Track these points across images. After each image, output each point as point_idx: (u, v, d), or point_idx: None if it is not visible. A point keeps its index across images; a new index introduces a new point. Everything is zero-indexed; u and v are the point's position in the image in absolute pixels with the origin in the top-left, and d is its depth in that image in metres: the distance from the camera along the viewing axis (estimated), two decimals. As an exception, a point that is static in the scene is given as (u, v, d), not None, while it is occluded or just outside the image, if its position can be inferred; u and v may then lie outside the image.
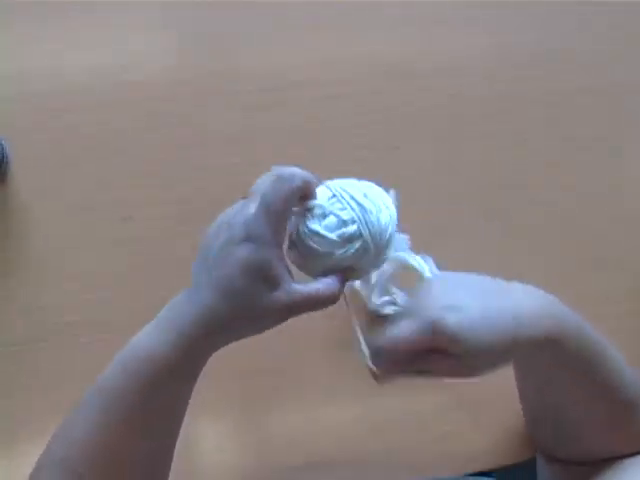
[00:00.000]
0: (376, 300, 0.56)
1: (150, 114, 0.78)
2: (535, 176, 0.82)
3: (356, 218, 0.51)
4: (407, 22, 0.84)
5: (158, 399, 0.51)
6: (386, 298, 0.56)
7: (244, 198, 0.52)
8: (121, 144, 0.77)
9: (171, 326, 0.50)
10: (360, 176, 0.75)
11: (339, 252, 0.51)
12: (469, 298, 0.51)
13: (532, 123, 0.84)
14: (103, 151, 0.76)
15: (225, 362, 0.69)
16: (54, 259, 0.73)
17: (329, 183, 0.54)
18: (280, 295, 0.49)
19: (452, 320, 0.48)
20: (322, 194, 0.53)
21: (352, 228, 0.51)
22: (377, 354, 0.52)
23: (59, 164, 0.76)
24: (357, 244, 0.51)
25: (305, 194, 0.52)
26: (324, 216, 0.52)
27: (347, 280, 0.53)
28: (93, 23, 0.80)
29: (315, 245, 0.52)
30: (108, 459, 0.50)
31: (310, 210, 0.52)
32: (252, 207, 0.49)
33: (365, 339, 0.53)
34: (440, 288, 0.53)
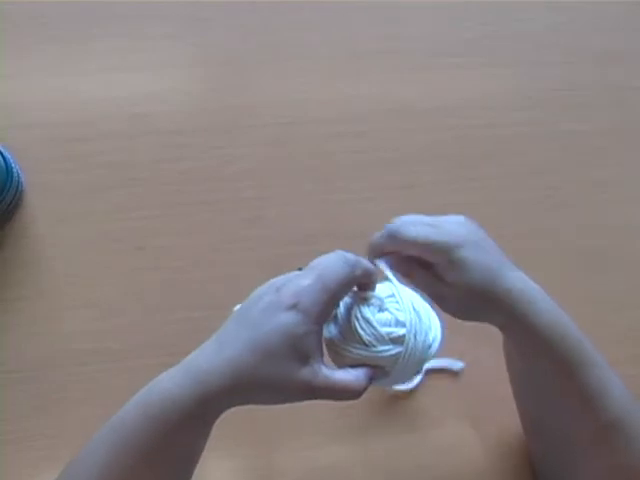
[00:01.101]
0: None
1: (166, 146, 0.79)
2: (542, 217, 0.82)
3: (409, 323, 0.51)
4: (423, 63, 0.87)
5: (176, 444, 0.50)
6: None
7: (300, 269, 0.52)
8: (137, 174, 0.78)
9: (197, 376, 0.49)
10: (372, 212, 0.77)
11: (381, 348, 0.51)
12: (481, 244, 0.57)
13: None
14: (118, 181, 0.77)
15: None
16: (68, 286, 0.73)
17: (390, 281, 0.55)
18: (307, 373, 0.48)
19: (464, 252, 0.55)
20: (381, 289, 0.54)
21: (402, 331, 0.51)
22: (392, 238, 0.55)
23: (74, 193, 0.76)
24: (400, 348, 0.51)
25: (365, 284, 0.53)
26: (380, 309, 0.52)
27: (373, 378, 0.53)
28: (112, 54, 0.82)
29: (362, 332, 0.51)
30: None
31: (367, 299, 0.52)
32: (308, 279, 0.49)
33: None
34: (461, 224, 0.59)
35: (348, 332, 0.52)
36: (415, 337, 0.51)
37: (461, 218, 0.60)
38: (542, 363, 0.58)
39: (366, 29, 0.88)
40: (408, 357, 0.51)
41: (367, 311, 0.52)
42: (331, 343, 0.53)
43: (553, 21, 0.92)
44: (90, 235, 0.75)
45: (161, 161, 0.78)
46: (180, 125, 0.80)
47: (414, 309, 0.52)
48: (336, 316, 0.53)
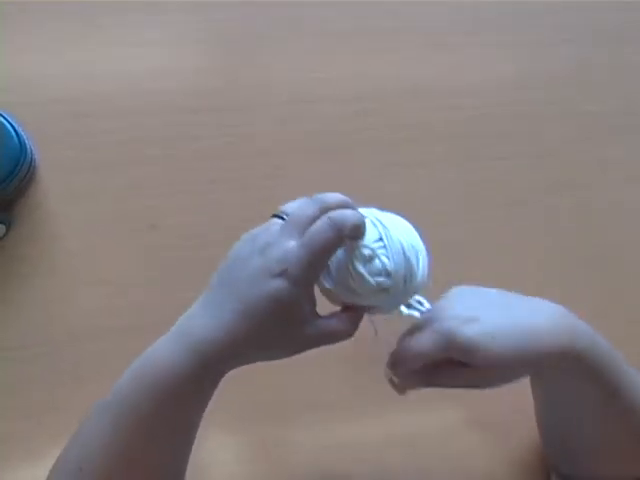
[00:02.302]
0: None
1: (180, 123, 0.79)
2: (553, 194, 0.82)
3: (398, 274, 0.51)
4: (438, 42, 0.87)
5: (172, 411, 0.50)
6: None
7: (275, 216, 0.52)
8: (150, 152, 0.77)
9: (189, 342, 0.49)
10: (388, 191, 0.76)
11: (372, 296, 0.52)
12: (486, 310, 0.52)
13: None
14: (132, 158, 0.77)
15: (240, 377, 0.69)
16: (81, 263, 0.73)
17: (376, 219, 0.53)
18: (304, 329, 0.50)
19: (468, 332, 0.50)
20: (370, 231, 0.52)
21: (391, 281, 0.51)
22: (394, 363, 0.54)
23: (87, 170, 0.76)
24: (391, 293, 0.51)
25: (355, 235, 0.51)
26: (370, 259, 0.51)
27: (361, 316, 0.53)
28: (127, 30, 0.81)
29: (353, 285, 0.51)
30: (122, 469, 0.50)
31: (358, 248, 0.51)
32: (293, 243, 0.48)
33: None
34: (458, 301, 0.54)
35: (341, 284, 0.52)
36: (406, 283, 0.51)
37: (453, 291, 0.57)
38: (581, 383, 0.56)
39: (381, 8, 0.87)
40: (402, 297, 0.52)
41: (358, 264, 0.51)
42: (326, 291, 0.53)
43: (568, 1, 0.91)
44: (103, 212, 0.75)
45: (175, 139, 0.78)
46: (194, 103, 0.79)
47: (404, 253, 0.51)
48: (328, 267, 0.52)
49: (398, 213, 0.55)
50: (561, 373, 0.55)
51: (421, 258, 0.53)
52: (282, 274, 0.47)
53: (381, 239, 0.52)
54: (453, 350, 0.50)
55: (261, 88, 0.81)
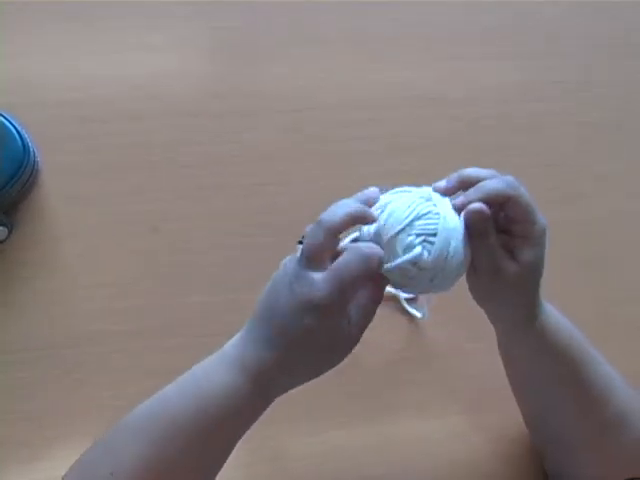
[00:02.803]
0: None
1: (183, 128, 0.79)
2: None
3: (434, 261, 0.50)
4: (440, 52, 0.88)
5: (219, 434, 0.52)
6: None
7: (300, 243, 0.52)
8: (152, 156, 0.78)
9: (244, 371, 0.50)
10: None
11: (406, 276, 0.51)
12: None
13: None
14: (134, 162, 0.77)
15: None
16: (82, 266, 0.73)
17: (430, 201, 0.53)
18: (342, 344, 0.52)
19: None
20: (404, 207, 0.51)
21: (428, 264, 0.50)
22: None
23: (90, 173, 0.76)
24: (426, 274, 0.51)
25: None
26: (410, 248, 0.50)
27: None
28: (130, 35, 0.82)
29: (395, 276, 0.52)
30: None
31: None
32: (317, 277, 0.49)
33: None
34: None
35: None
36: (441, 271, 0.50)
37: None
38: (551, 364, 0.60)
39: (382, 16, 0.87)
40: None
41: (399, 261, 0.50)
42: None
43: (571, 12, 0.92)
44: (105, 216, 0.75)
45: (177, 144, 0.78)
46: (197, 108, 0.80)
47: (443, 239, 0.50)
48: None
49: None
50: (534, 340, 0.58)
51: (459, 243, 0.51)
52: (311, 310, 0.48)
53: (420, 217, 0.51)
54: (532, 214, 0.54)
55: (264, 94, 0.81)
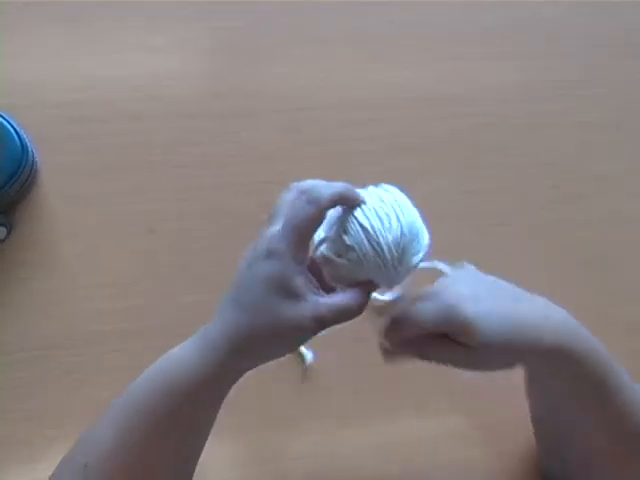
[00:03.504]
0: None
1: (181, 129, 0.79)
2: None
3: (354, 243, 0.51)
4: (439, 52, 0.88)
5: (186, 412, 0.50)
6: None
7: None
8: (151, 156, 0.78)
9: (204, 343, 0.50)
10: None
11: (354, 273, 0.52)
12: (489, 293, 0.53)
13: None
14: (133, 162, 0.77)
15: (236, 384, 0.69)
16: (81, 267, 0.73)
17: (376, 194, 0.54)
18: (305, 307, 0.48)
19: (470, 308, 0.49)
20: (369, 202, 0.53)
21: (354, 252, 0.51)
22: (390, 328, 0.53)
23: (89, 173, 0.76)
24: (366, 265, 0.51)
25: (336, 204, 0.51)
26: (335, 243, 0.52)
27: (370, 292, 0.53)
28: (129, 36, 0.82)
29: (330, 271, 0.53)
30: (130, 468, 0.50)
31: (347, 219, 0.52)
32: (276, 226, 0.49)
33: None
34: (465, 280, 0.55)
35: (335, 252, 0.52)
36: (372, 246, 0.51)
37: (463, 271, 0.58)
38: (578, 388, 0.57)
39: (382, 17, 0.87)
40: (380, 263, 0.51)
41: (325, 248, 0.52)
42: (324, 262, 0.53)
43: (571, 12, 0.92)
44: (105, 216, 0.75)
45: (177, 144, 0.78)
46: (196, 108, 0.80)
47: (359, 223, 0.51)
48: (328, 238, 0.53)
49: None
50: (557, 372, 0.55)
51: (393, 217, 0.52)
52: (270, 254, 0.48)
53: (376, 212, 0.52)
54: (452, 324, 0.50)
55: (263, 94, 0.82)
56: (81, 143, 0.77)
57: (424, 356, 0.53)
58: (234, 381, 0.52)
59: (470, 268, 0.58)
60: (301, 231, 0.49)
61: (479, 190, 0.80)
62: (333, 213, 0.53)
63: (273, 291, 0.48)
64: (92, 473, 0.50)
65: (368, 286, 0.52)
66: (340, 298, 0.50)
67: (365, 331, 0.72)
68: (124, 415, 0.51)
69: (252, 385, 0.69)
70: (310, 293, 0.49)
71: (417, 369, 0.72)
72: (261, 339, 0.49)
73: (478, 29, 0.88)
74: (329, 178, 0.78)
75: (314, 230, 0.51)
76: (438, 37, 0.88)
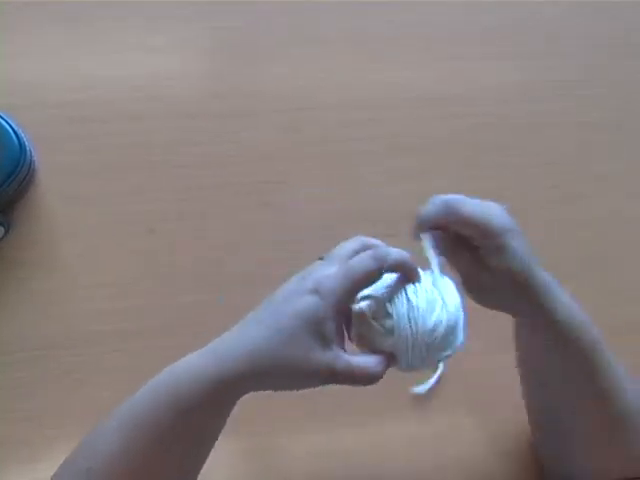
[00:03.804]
0: None
1: (181, 129, 0.79)
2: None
3: (395, 313, 0.51)
4: (439, 52, 0.88)
5: (188, 425, 0.50)
6: None
7: (321, 259, 0.53)
8: (151, 156, 0.78)
9: (214, 357, 0.49)
10: (388, 198, 0.76)
11: (380, 340, 0.52)
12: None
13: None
14: (133, 162, 0.77)
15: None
16: (79, 267, 0.73)
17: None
18: (327, 355, 0.48)
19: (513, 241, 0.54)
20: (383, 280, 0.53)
21: (390, 321, 0.51)
22: (445, 205, 0.55)
23: (87, 173, 0.76)
24: (396, 338, 0.51)
25: (395, 270, 0.52)
26: (377, 304, 0.52)
27: (388, 366, 0.53)
28: (129, 36, 0.82)
29: (360, 329, 0.53)
30: (133, 475, 0.50)
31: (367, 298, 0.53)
32: (332, 267, 0.50)
33: None
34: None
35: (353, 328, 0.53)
36: (410, 324, 0.51)
37: (499, 206, 0.59)
38: (562, 357, 0.59)
39: (382, 17, 0.87)
40: (410, 344, 0.52)
41: (362, 310, 0.52)
42: (358, 316, 0.53)
43: (571, 12, 0.92)
44: (104, 216, 0.75)
45: (177, 144, 0.78)
46: (196, 108, 0.80)
47: (407, 297, 0.52)
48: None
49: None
50: (545, 330, 0.58)
51: (438, 302, 0.53)
52: (315, 291, 0.48)
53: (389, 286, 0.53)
54: (494, 230, 0.54)
55: (263, 94, 0.82)
56: (81, 143, 0.77)
57: (453, 250, 0.56)
58: (237, 398, 0.51)
59: None
60: (356, 282, 0.49)
61: (479, 190, 0.79)
62: (385, 278, 0.53)
63: (307, 328, 0.48)
64: (95, 477, 0.49)
65: (387, 358, 0.52)
66: (361, 360, 0.51)
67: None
68: (129, 423, 0.50)
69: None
70: (336, 344, 0.49)
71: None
72: (280, 368, 0.49)
73: (478, 29, 0.88)
74: (329, 178, 0.79)
75: (367, 286, 0.51)
76: (438, 37, 0.87)
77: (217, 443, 0.67)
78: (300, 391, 0.65)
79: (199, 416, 0.50)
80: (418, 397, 0.72)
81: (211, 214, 0.76)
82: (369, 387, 0.71)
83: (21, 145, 0.72)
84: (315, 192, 0.70)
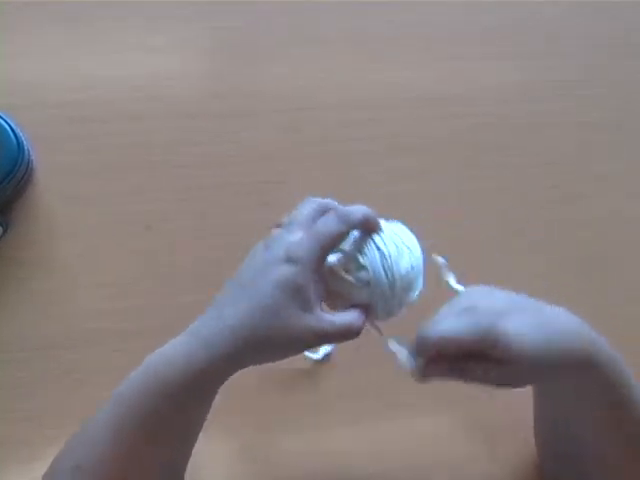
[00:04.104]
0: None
1: (180, 129, 0.79)
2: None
3: (369, 264, 0.52)
4: (438, 52, 0.88)
5: (175, 410, 0.50)
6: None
7: (279, 226, 0.53)
8: (149, 156, 0.78)
9: (201, 342, 0.49)
10: (388, 198, 0.76)
11: (357, 293, 0.53)
12: (513, 306, 0.52)
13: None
14: (132, 162, 0.77)
15: (230, 382, 0.69)
16: (78, 266, 0.73)
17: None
18: (311, 319, 0.49)
19: (505, 322, 0.48)
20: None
21: (365, 273, 0.52)
22: (423, 345, 0.50)
23: (86, 173, 0.76)
24: (373, 288, 0.52)
25: (365, 226, 0.53)
26: (348, 259, 0.53)
27: (369, 317, 0.53)
28: (128, 36, 0.82)
29: (333, 286, 0.53)
30: (122, 468, 0.50)
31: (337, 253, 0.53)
32: (298, 234, 0.50)
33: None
34: (488, 295, 0.54)
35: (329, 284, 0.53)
36: (383, 271, 0.52)
37: (478, 287, 0.56)
38: (601, 405, 0.56)
39: (382, 17, 0.87)
40: (386, 292, 0.52)
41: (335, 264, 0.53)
42: (330, 272, 0.53)
43: (571, 14, 0.92)
44: (104, 216, 0.75)
45: (177, 144, 0.78)
46: (195, 108, 0.80)
47: (376, 246, 0.53)
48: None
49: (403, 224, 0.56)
50: (583, 383, 0.54)
51: (404, 248, 0.54)
52: (289, 260, 0.49)
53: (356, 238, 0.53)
54: (489, 341, 0.48)
55: (263, 94, 0.82)
56: (81, 143, 0.77)
57: (461, 374, 0.51)
58: (223, 380, 0.51)
59: (481, 287, 0.56)
60: (326, 245, 0.50)
61: (479, 190, 0.80)
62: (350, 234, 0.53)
63: (288, 297, 0.48)
64: (84, 474, 0.49)
65: (364, 311, 0.53)
66: (343, 318, 0.51)
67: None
68: (114, 415, 0.51)
69: (248, 383, 0.69)
70: (318, 307, 0.50)
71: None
72: (265, 343, 0.49)
73: (478, 29, 0.89)
74: (329, 178, 0.79)
75: (336, 246, 0.52)
76: (438, 37, 0.88)
77: (213, 442, 0.67)
78: (297, 391, 0.65)
79: (189, 401, 0.51)
80: (413, 396, 0.72)
81: (211, 214, 0.76)
82: (365, 386, 0.71)
83: (19, 144, 0.72)
84: (315, 192, 0.70)
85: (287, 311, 0.48)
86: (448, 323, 0.50)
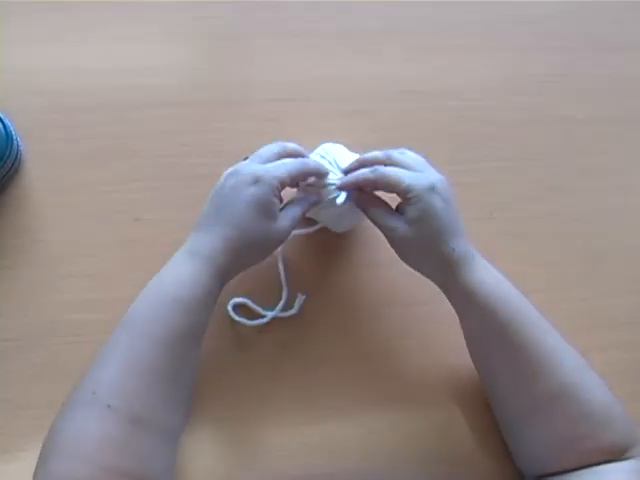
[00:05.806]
0: None
1: (166, 118, 0.79)
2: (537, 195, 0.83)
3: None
4: (424, 45, 0.88)
5: (188, 322, 0.58)
6: None
7: (246, 159, 0.65)
8: (136, 146, 0.78)
9: (200, 259, 0.60)
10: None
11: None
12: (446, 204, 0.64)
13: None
14: (118, 152, 0.77)
15: (220, 375, 0.69)
16: (65, 256, 0.74)
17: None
18: (277, 224, 0.62)
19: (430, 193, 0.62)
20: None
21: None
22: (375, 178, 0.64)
23: (73, 162, 0.77)
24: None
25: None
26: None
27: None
28: (113, 26, 0.82)
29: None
30: (138, 384, 0.54)
31: None
32: (261, 166, 0.63)
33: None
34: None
35: None
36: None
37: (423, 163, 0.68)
38: (483, 327, 0.62)
39: (368, 9, 0.87)
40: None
41: None
42: None
43: (554, 7, 0.92)
44: (88, 205, 0.75)
45: (161, 133, 0.79)
46: (181, 98, 0.80)
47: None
48: None
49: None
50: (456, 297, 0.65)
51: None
52: (256, 181, 0.61)
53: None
54: (416, 191, 0.62)
55: (247, 85, 0.82)
56: (66, 132, 0.77)
57: (368, 202, 0.67)
58: (227, 282, 0.63)
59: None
60: (287, 177, 0.62)
61: (464, 183, 0.80)
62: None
63: (259, 211, 0.61)
64: (100, 399, 0.53)
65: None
66: (292, 211, 0.65)
67: (352, 323, 0.72)
68: (127, 335, 0.56)
69: (234, 376, 0.70)
70: (278, 214, 0.63)
71: (405, 361, 0.73)
72: (249, 250, 0.62)
73: (462, 23, 0.89)
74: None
75: (296, 181, 0.66)
76: (422, 31, 0.88)
77: (203, 435, 0.67)
78: (287, 382, 0.66)
79: (199, 310, 0.59)
80: (407, 388, 0.73)
81: (197, 204, 0.75)
82: (355, 379, 0.71)
83: (8, 134, 0.72)
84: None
85: (260, 222, 0.61)
86: (400, 174, 0.65)
